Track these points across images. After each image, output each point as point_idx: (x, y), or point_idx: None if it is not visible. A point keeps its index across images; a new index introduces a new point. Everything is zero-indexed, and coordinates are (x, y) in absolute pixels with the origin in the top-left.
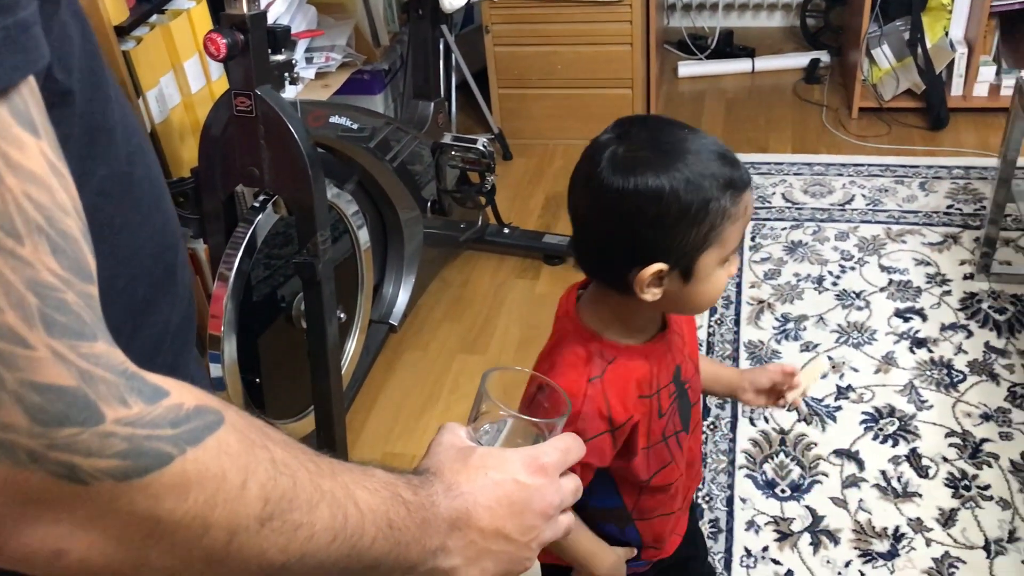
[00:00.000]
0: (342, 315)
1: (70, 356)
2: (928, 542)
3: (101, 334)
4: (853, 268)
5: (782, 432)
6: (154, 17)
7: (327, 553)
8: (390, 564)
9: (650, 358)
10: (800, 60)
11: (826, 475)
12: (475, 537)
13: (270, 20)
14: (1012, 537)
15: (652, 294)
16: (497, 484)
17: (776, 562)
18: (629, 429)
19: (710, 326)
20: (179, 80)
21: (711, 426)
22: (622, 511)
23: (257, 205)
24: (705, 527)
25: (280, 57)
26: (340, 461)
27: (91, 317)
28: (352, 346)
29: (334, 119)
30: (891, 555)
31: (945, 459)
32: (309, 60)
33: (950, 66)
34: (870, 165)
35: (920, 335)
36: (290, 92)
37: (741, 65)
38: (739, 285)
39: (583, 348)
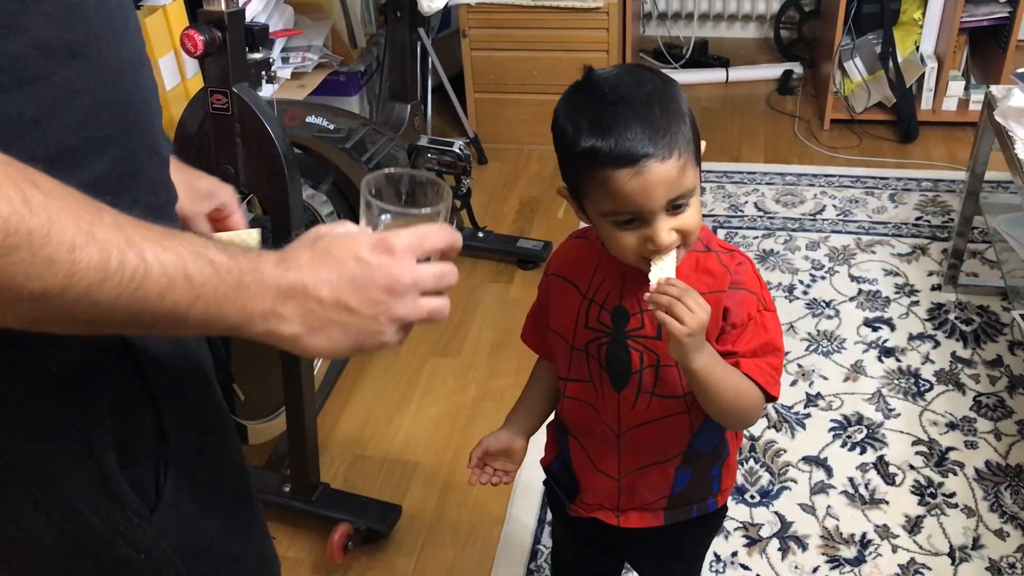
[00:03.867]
0: None
1: None
2: (894, 548)
3: None
4: (823, 277)
5: (752, 439)
6: None
7: (99, 293)
8: (199, 317)
9: (605, 268)
10: (774, 71)
11: (795, 481)
12: (314, 307)
13: (247, 18)
14: (976, 544)
15: (579, 215)
16: (338, 260)
17: (745, 567)
18: (548, 286)
19: None
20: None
21: None
22: (559, 417)
23: None
24: None
25: (257, 55)
26: (143, 222)
27: None
28: None
29: (311, 119)
30: (858, 561)
31: (912, 467)
32: (285, 60)
33: (920, 80)
34: (841, 176)
35: (888, 344)
36: (266, 91)
37: (715, 75)
38: None
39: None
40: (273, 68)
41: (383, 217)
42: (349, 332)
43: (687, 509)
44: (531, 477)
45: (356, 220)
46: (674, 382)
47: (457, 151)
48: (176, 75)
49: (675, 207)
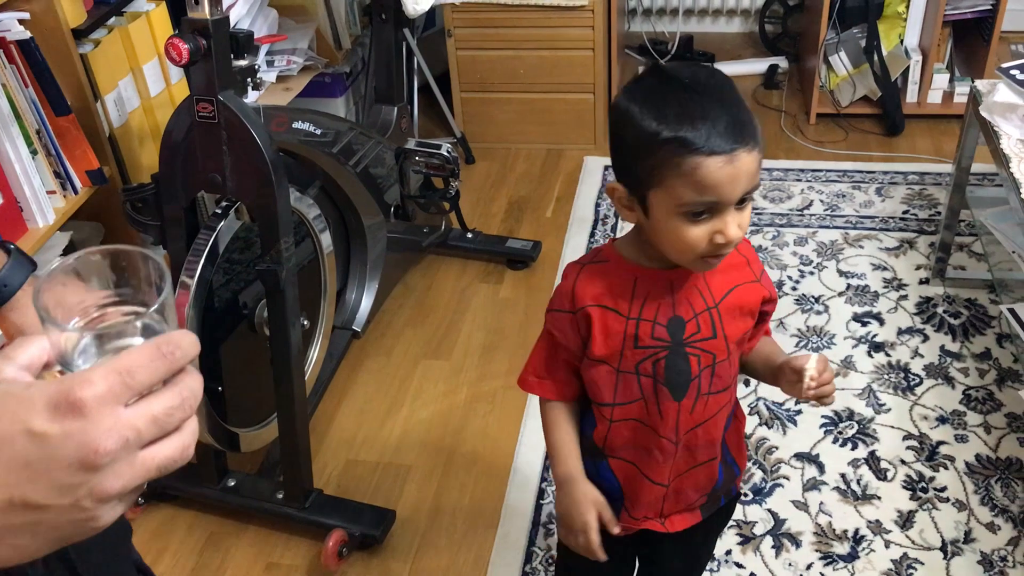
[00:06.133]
0: (305, 322)
1: None
2: (887, 544)
3: None
4: (812, 273)
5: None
6: (112, 20)
7: None
8: None
9: (645, 281)
10: (759, 66)
11: (787, 478)
12: None
13: (231, 23)
14: (968, 538)
15: (626, 214)
16: (2, 441)
17: (739, 565)
18: (585, 320)
19: None
20: (138, 84)
21: None
22: (592, 443)
23: (219, 212)
24: None
25: (243, 62)
26: None
27: None
28: (315, 352)
29: (297, 124)
30: (851, 557)
31: (903, 461)
32: (270, 63)
33: (905, 73)
34: (828, 170)
35: (878, 339)
36: (252, 97)
37: None
38: None
39: (596, 249)
40: (258, 73)
41: (82, 340)
42: (42, 532)
43: (717, 499)
44: (523, 479)
45: (347, 237)
46: (727, 374)
47: (445, 154)
48: (160, 81)
49: (740, 202)
